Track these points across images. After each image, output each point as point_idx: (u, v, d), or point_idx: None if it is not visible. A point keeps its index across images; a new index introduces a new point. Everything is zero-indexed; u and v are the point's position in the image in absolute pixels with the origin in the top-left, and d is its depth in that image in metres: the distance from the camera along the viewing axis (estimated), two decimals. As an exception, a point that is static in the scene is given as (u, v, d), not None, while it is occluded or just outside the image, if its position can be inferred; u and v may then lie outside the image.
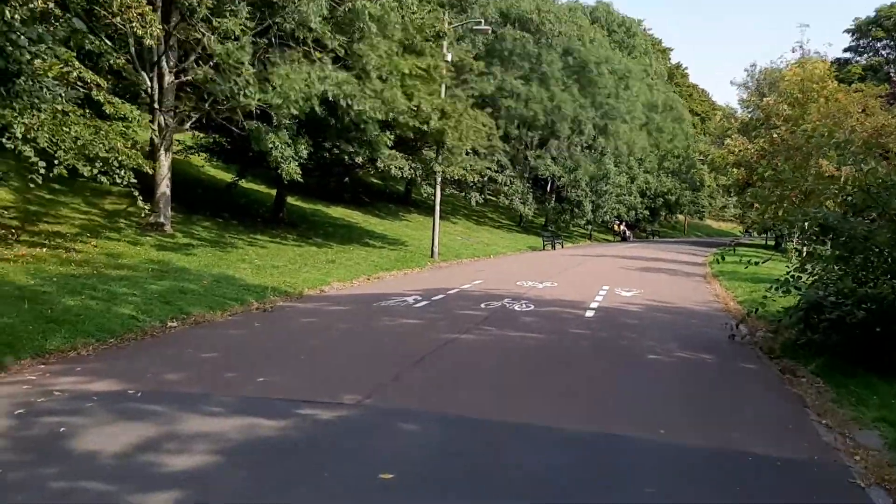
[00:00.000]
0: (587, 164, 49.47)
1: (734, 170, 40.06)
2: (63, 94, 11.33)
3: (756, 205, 27.23)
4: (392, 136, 21.76)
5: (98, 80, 14.55)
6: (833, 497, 5.15)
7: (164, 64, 18.27)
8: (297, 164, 18.28)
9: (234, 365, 8.18)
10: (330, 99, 18.16)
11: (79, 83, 14.60)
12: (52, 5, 9.41)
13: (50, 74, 12.56)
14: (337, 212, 32.49)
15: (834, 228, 10.36)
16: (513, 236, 44.69)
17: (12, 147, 12.21)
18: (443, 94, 25.76)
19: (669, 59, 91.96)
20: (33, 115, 11.95)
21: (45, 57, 9.77)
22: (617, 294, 17.32)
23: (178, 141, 25.51)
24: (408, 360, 8.68)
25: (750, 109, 53.04)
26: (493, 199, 53.49)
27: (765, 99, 36.60)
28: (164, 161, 18.88)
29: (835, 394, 8.07)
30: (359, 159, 22.22)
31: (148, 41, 15.68)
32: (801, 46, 56.01)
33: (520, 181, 46.93)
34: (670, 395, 7.74)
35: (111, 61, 16.50)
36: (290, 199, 28.39)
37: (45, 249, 14.31)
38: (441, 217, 27.69)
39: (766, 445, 6.10)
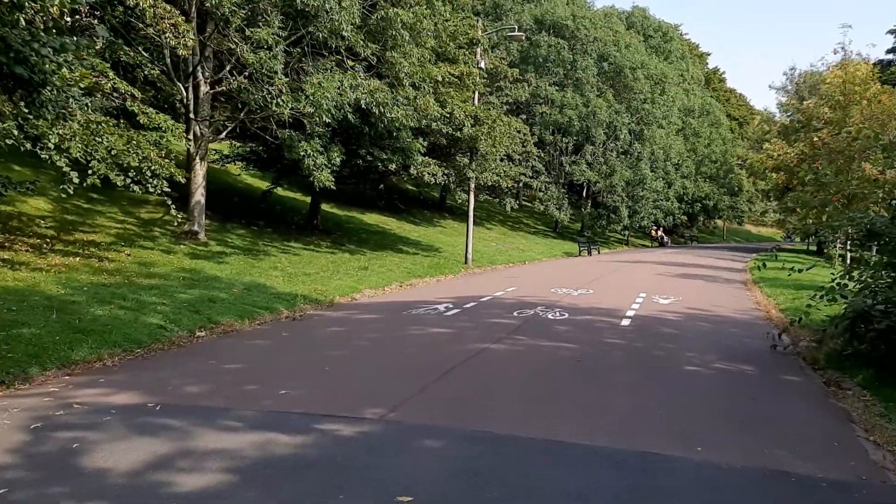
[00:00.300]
0: (623, 169, 48.86)
1: (773, 174, 39.26)
2: (89, 104, 11.31)
3: (797, 209, 26.52)
4: (425, 143, 21.64)
5: (132, 90, 14.65)
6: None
7: (199, 74, 18.36)
8: (329, 171, 18.20)
9: (256, 377, 8.02)
10: (363, 106, 18.07)
11: (114, 94, 14.73)
12: (72, 16, 9.38)
13: (82, 85, 12.68)
14: (371, 218, 32.44)
15: (882, 234, 9.91)
16: (548, 242, 44.27)
17: (46, 158, 12.27)
18: (476, 101, 25.60)
19: (706, 63, 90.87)
20: (64, 126, 12.00)
21: (73, 67, 9.73)
22: (654, 302, 16.91)
23: (215, 150, 25.70)
24: (435, 373, 8.44)
25: (789, 113, 52.02)
26: (529, 204, 53.14)
27: (805, 102, 35.80)
28: (199, 170, 18.94)
29: (883, 408, 7.65)
30: (392, 166, 22.08)
31: (182, 51, 15.73)
32: (842, 48, 54.68)
33: (555, 187, 46.55)
34: (708, 410, 7.39)
35: (146, 72, 16.64)
36: (324, 207, 28.41)
37: (78, 259, 14.37)
38: (475, 223, 27.51)
39: (811, 465, 5.75)
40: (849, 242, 22.63)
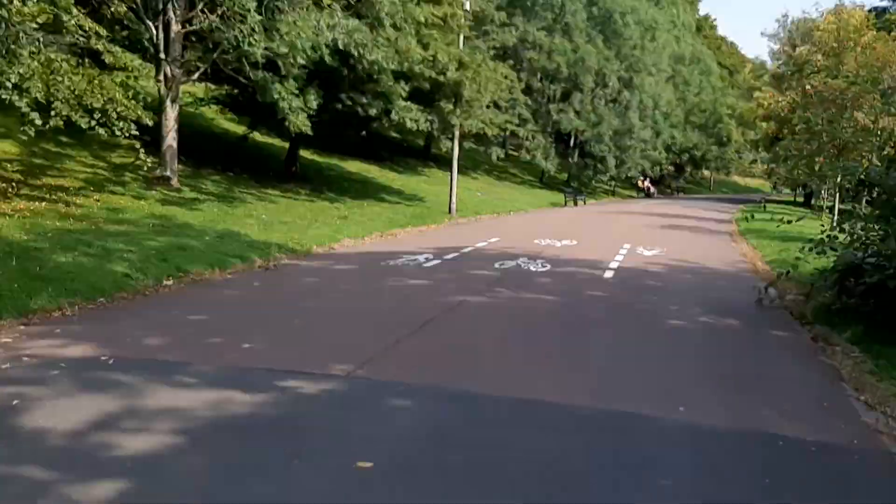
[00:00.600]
0: (611, 118, 48.18)
1: (763, 123, 38.79)
2: (41, 40, 10.65)
3: (788, 158, 26.17)
4: (407, 88, 20.96)
5: (97, 28, 13.92)
6: (877, 491, 4.50)
7: (170, 12, 17.52)
8: (305, 116, 17.58)
9: (221, 329, 7.63)
10: (341, 48, 17.38)
11: (80, 32, 14.02)
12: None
13: (40, 20, 11.99)
14: (353, 166, 31.80)
15: (876, 184, 9.55)
16: (534, 192, 43.83)
17: (7, 98, 11.64)
18: (461, 45, 24.84)
19: (697, 10, 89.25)
20: (22, 65, 11.35)
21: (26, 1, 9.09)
22: (638, 253, 16.61)
23: (190, 93, 24.90)
24: (410, 326, 8.07)
25: (781, 62, 51.27)
26: (515, 154, 52.50)
27: (798, 49, 35.19)
28: (171, 113, 18.21)
29: (873, 365, 7.36)
30: (372, 111, 21.41)
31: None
32: (837, -6, 53.49)
33: (542, 136, 45.88)
34: (692, 367, 7.08)
35: (113, 9, 15.87)
36: (304, 153, 27.74)
37: (44, 204, 13.81)
38: (460, 172, 26.99)
39: (800, 427, 5.46)
40: (838, 194, 22.35)
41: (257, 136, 27.62)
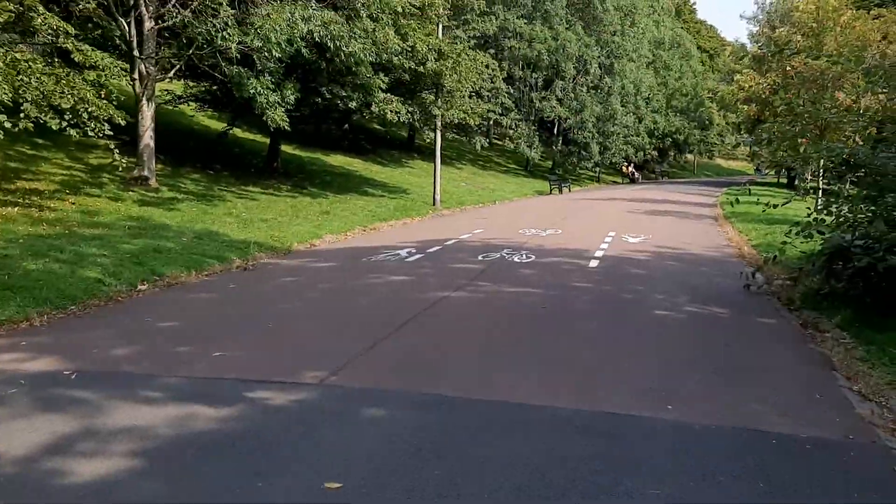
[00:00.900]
0: (593, 104, 47.93)
1: (744, 106, 38.63)
2: (7, 39, 10.30)
3: (771, 139, 26.03)
4: (386, 79, 20.63)
5: (65, 26, 13.55)
6: (877, 489, 4.29)
7: (142, 9, 17.10)
8: (283, 110, 17.23)
9: (192, 336, 7.35)
10: (317, 40, 17.03)
11: (47, 30, 13.64)
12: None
13: (1, 19, 11.67)
14: (336, 160, 31.43)
15: (862, 165, 9.35)
16: (519, 181, 43.59)
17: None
18: (440, 34, 24.50)
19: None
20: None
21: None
22: (623, 241, 16.42)
23: (168, 91, 24.47)
24: (388, 326, 7.82)
25: (761, 43, 51.08)
26: (499, 143, 52.21)
27: (777, 30, 35.01)
28: (147, 112, 17.82)
29: (864, 351, 7.19)
30: (352, 104, 21.06)
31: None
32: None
33: (525, 124, 45.59)
34: (679, 361, 6.86)
35: (81, 6, 15.49)
36: (286, 148, 27.38)
37: (16, 209, 13.48)
38: (444, 163, 26.70)
39: (792, 422, 5.26)
40: (822, 175, 22.17)
41: (238, 132, 27.24)
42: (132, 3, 16.82)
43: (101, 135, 13.03)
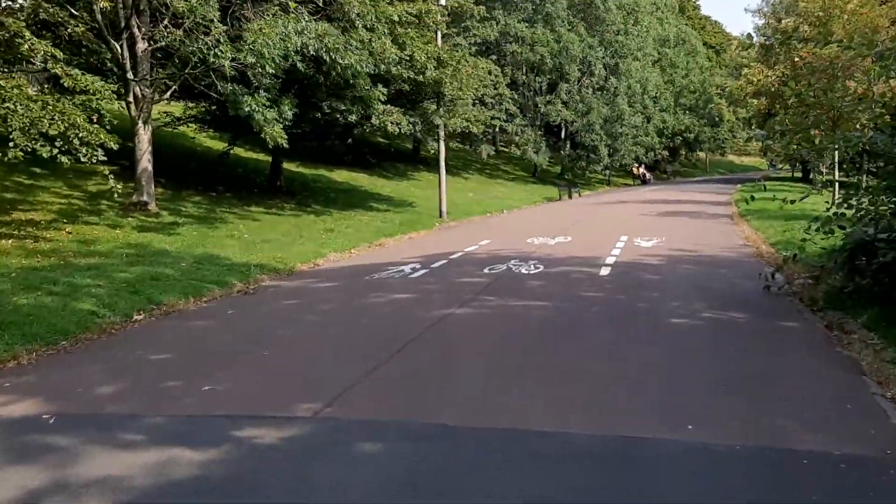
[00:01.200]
0: (600, 106, 47.45)
1: (753, 100, 38.08)
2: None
3: (784, 134, 25.55)
4: (385, 91, 20.30)
5: (54, 51, 13.32)
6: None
7: (134, 30, 16.86)
8: (281, 127, 16.91)
9: (183, 369, 6.98)
10: (312, 53, 16.72)
11: (33, 56, 13.44)
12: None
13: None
14: (340, 175, 31.12)
15: (881, 154, 8.90)
16: (528, 188, 43.14)
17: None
18: (439, 42, 24.18)
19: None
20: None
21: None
22: (636, 245, 15.97)
23: (167, 113, 24.27)
24: (389, 349, 7.42)
25: (767, 36, 50.52)
26: (506, 150, 51.86)
27: (783, 21, 34.49)
28: (144, 135, 17.56)
29: (894, 353, 6.73)
30: (352, 118, 20.73)
31: (103, 2, 14.34)
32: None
33: (531, 129, 45.17)
34: (698, 374, 6.43)
35: (70, 30, 15.28)
36: (289, 166, 27.11)
37: (10, 241, 13.19)
38: (450, 173, 26.35)
39: (823, 438, 4.83)
40: (837, 167, 21.69)
41: (241, 151, 26.98)
42: (123, 24, 16.59)
43: (93, 160, 12.78)
